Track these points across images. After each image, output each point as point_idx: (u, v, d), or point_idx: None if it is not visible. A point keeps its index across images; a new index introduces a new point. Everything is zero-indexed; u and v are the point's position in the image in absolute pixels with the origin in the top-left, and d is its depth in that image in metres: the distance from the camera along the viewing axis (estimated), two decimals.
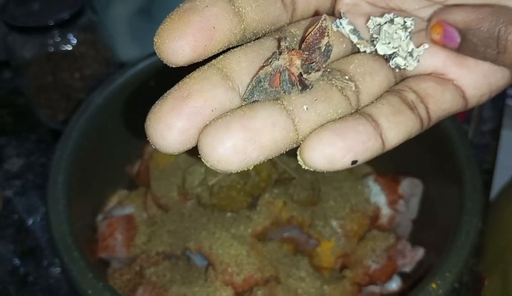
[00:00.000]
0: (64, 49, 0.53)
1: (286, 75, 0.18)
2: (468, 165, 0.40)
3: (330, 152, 0.18)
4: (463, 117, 0.56)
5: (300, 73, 0.18)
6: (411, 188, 0.46)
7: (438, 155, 0.44)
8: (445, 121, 0.42)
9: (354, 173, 0.48)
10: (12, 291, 0.48)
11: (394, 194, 0.45)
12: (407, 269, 0.43)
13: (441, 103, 0.21)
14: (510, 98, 0.49)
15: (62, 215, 0.39)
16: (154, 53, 0.53)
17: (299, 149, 0.18)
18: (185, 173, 0.45)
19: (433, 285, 0.35)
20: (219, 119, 0.17)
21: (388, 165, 0.48)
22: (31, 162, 0.58)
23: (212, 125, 0.17)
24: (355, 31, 0.22)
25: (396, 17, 0.22)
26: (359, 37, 0.22)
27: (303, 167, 0.18)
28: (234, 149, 0.17)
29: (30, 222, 0.52)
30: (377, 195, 0.45)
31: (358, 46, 0.22)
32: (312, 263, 0.43)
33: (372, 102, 0.20)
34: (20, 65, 0.55)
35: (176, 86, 0.18)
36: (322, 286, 0.41)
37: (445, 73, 0.22)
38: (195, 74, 0.18)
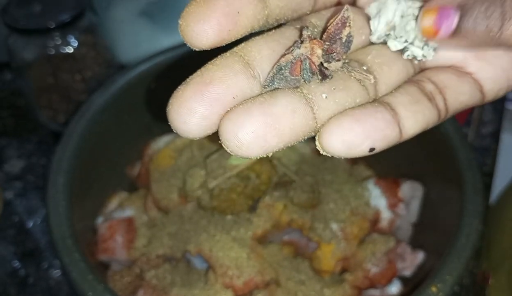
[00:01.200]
0: (64, 51, 0.53)
1: (307, 64, 0.18)
2: (469, 167, 0.40)
3: (348, 138, 0.18)
4: (463, 120, 0.56)
5: (321, 62, 0.19)
6: (411, 191, 0.46)
7: (439, 158, 0.44)
8: (445, 124, 0.42)
9: (355, 175, 0.48)
10: (12, 293, 0.48)
11: (394, 197, 0.45)
12: (407, 272, 0.43)
13: (458, 95, 0.21)
14: (510, 102, 0.49)
15: (63, 217, 0.39)
16: (154, 55, 0.53)
17: (317, 134, 0.18)
18: (185, 175, 0.45)
19: (433, 288, 0.34)
20: (240, 106, 0.17)
21: (389, 168, 0.48)
22: (32, 163, 0.58)
23: (233, 111, 0.17)
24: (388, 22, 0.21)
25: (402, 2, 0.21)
26: (388, 28, 0.21)
27: (321, 152, 0.18)
28: (255, 134, 0.17)
29: (30, 223, 0.52)
30: (377, 198, 0.45)
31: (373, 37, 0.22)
32: (312, 266, 0.43)
33: (391, 92, 0.20)
34: (21, 67, 0.55)
35: (198, 72, 0.18)
36: (322, 289, 0.41)
37: (464, 66, 0.22)
38: (218, 61, 0.18)
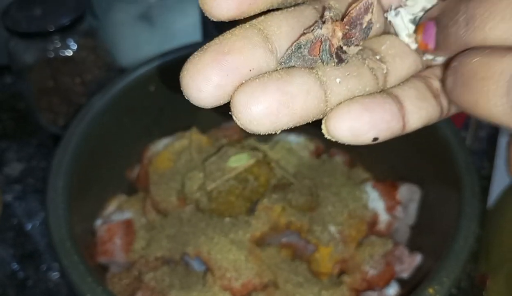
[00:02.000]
0: (64, 54, 0.53)
1: (327, 46, 0.18)
2: (467, 170, 0.40)
3: (356, 125, 0.18)
4: (461, 123, 0.56)
5: (340, 45, 0.19)
6: (409, 193, 0.46)
7: (437, 161, 0.44)
8: (443, 127, 0.42)
9: (353, 178, 0.48)
10: (11, 295, 0.48)
11: (392, 200, 0.45)
12: (405, 274, 0.43)
13: None
14: None
15: (62, 219, 0.39)
16: (154, 59, 0.53)
17: (325, 118, 0.18)
18: (184, 177, 0.45)
19: (430, 290, 0.35)
20: (256, 79, 0.17)
21: (387, 170, 0.48)
22: (31, 166, 0.58)
23: (248, 84, 0.17)
24: (414, 21, 0.21)
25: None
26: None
27: (326, 136, 0.18)
28: (268, 110, 0.17)
29: (29, 226, 0.53)
30: (375, 201, 0.45)
31: (407, 38, 0.21)
32: (310, 268, 0.43)
33: (399, 84, 0.21)
34: (21, 70, 0.55)
35: (216, 40, 0.17)
36: (320, 292, 0.41)
37: None
38: (237, 31, 0.18)
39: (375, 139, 0.18)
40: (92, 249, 0.44)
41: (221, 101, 0.17)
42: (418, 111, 0.20)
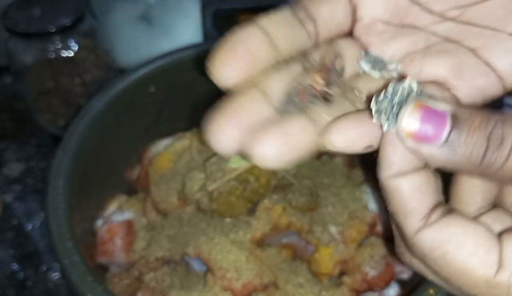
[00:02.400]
0: (65, 55, 0.53)
1: (311, 91, 0.23)
2: None
3: (351, 136, 0.23)
4: None
5: (323, 89, 0.24)
6: None
7: None
8: None
9: (352, 179, 0.48)
10: None
11: None
12: (405, 275, 0.43)
13: None
14: (508, 107, 0.49)
15: (62, 219, 0.39)
16: (153, 59, 0.53)
17: (323, 133, 0.23)
18: (184, 178, 0.45)
19: (431, 291, 0.35)
20: (260, 128, 0.22)
21: None
22: (31, 166, 0.58)
23: (255, 132, 0.22)
24: (373, 67, 0.26)
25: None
26: (380, 69, 0.26)
27: (326, 148, 0.23)
28: (274, 150, 0.22)
29: (29, 226, 0.53)
30: (375, 202, 0.45)
31: (381, 78, 0.26)
32: (311, 269, 0.43)
33: None
34: (21, 70, 0.55)
35: (227, 102, 0.23)
36: (321, 292, 0.41)
37: (445, 83, 0.26)
38: (242, 91, 0.23)
39: (369, 146, 0.23)
40: (92, 249, 0.44)
41: (236, 147, 0.22)
42: None
